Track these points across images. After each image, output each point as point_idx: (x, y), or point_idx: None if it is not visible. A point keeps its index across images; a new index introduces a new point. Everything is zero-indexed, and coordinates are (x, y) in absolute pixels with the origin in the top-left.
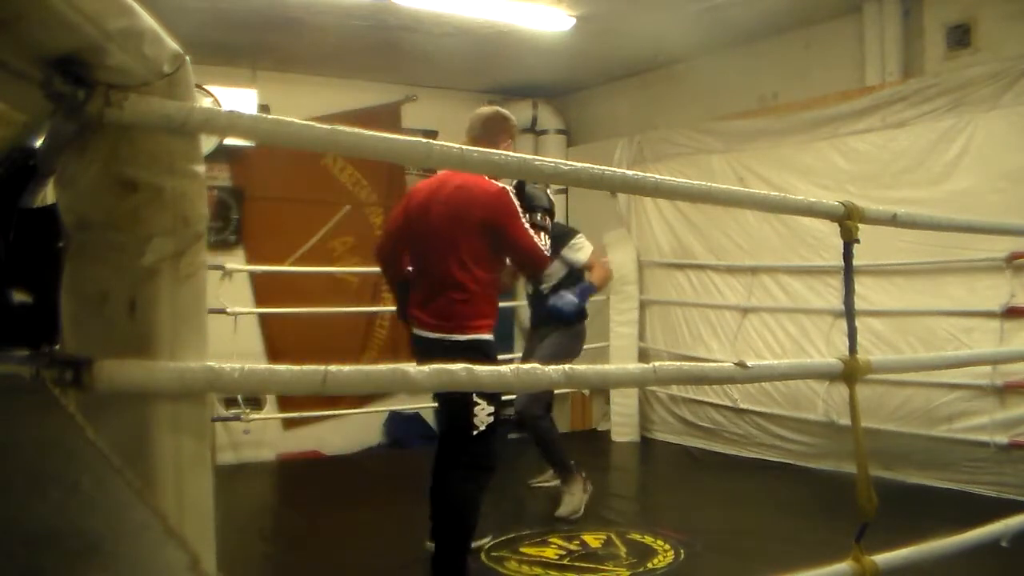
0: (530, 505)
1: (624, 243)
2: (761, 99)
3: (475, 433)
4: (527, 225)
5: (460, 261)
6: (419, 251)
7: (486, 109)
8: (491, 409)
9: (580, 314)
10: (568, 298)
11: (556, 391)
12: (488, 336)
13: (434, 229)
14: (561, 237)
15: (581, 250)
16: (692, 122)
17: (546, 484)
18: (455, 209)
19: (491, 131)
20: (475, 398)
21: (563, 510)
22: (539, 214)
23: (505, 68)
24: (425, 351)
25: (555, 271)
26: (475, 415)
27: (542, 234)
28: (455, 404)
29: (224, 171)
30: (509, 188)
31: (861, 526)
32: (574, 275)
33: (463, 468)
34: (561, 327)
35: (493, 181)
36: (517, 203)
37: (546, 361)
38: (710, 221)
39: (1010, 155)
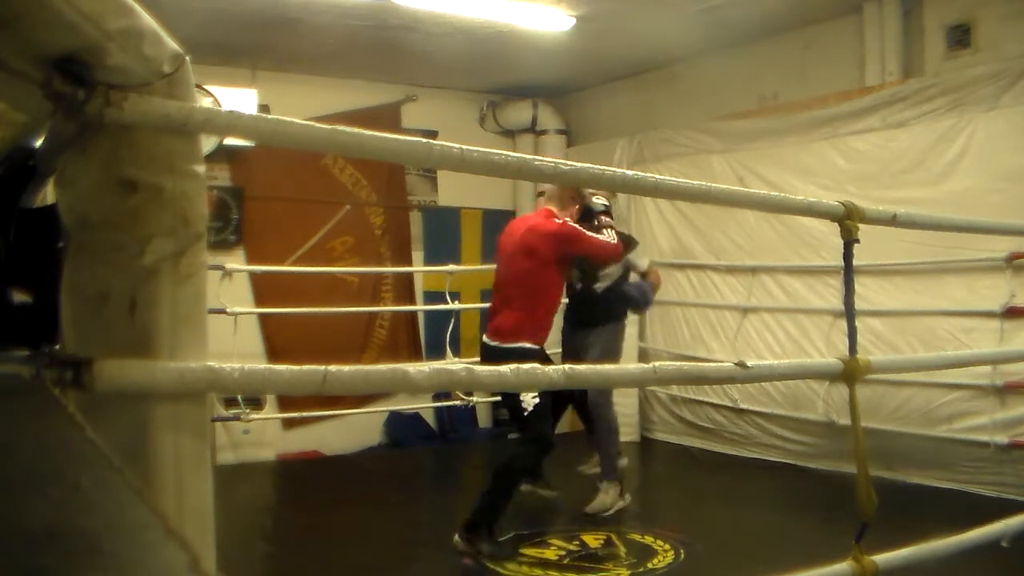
0: (530, 505)
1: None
2: (761, 99)
3: (525, 414)
4: (592, 233)
5: (527, 288)
6: (499, 279)
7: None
8: (535, 393)
9: (634, 307)
10: (643, 287)
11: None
12: (530, 345)
13: (507, 263)
14: (626, 244)
15: (643, 257)
16: (692, 122)
17: (593, 471)
18: (527, 247)
19: (563, 197)
20: None
21: (594, 506)
22: (595, 220)
23: (505, 68)
24: (490, 358)
25: (613, 272)
26: (522, 400)
27: (606, 231)
28: (506, 395)
29: (224, 171)
30: (569, 221)
31: (861, 526)
32: (626, 277)
33: (521, 442)
34: (608, 324)
35: (555, 220)
36: (578, 225)
37: (599, 359)
38: (710, 221)
39: (1010, 155)
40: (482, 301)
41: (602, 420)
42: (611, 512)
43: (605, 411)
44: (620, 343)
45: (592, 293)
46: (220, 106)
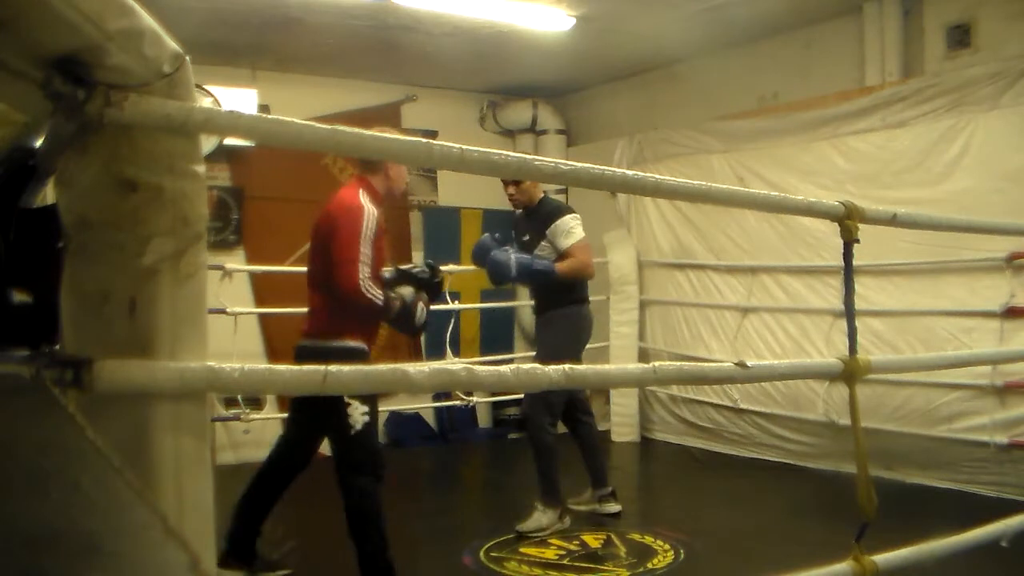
0: (529, 506)
1: (624, 243)
2: (761, 99)
3: (352, 433)
4: (364, 245)
5: (324, 273)
6: (311, 267)
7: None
8: (365, 408)
9: (573, 296)
10: (508, 257)
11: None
12: (356, 344)
13: (317, 245)
14: (551, 214)
15: (569, 235)
16: (692, 122)
17: (577, 508)
18: (327, 222)
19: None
20: (347, 398)
21: (526, 525)
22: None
23: (505, 68)
24: (305, 360)
25: (546, 252)
26: (349, 416)
27: (391, 293)
28: (324, 406)
29: (224, 171)
30: (370, 209)
31: (861, 526)
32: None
33: (353, 472)
34: (559, 313)
35: (362, 197)
36: (369, 225)
37: (547, 362)
38: (710, 221)
39: (1010, 155)
40: (482, 301)
41: (537, 442)
42: (544, 534)
43: (542, 433)
44: (577, 334)
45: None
46: (220, 106)
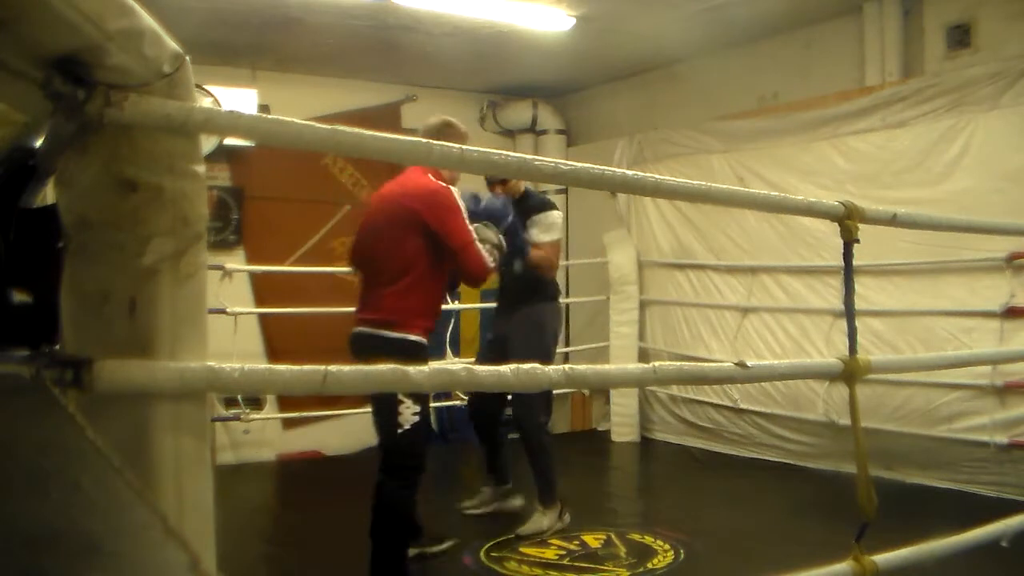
0: (529, 508)
1: (624, 243)
2: (761, 99)
3: (400, 432)
4: (468, 222)
5: (397, 259)
6: (367, 254)
7: (433, 120)
8: (416, 408)
9: (548, 292)
10: (496, 203)
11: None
12: (417, 338)
13: (378, 229)
14: (539, 206)
15: (549, 230)
16: (692, 122)
17: (476, 511)
18: (394, 208)
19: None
20: (400, 396)
21: (527, 528)
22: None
23: (505, 68)
24: (361, 348)
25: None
26: (400, 414)
27: (487, 246)
28: (379, 402)
29: (224, 171)
30: (454, 190)
31: (861, 526)
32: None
33: (392, 473)
34: (535, 309)
35: (433, 179)
36: (461, 204)
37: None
38: (710, 221)
39: (1010, 155)
40: (482, 301)
41: (532, 440)
42: (545, 536)
43: (540, 432)
44: (549, 331)
45: (512, 271)
46: (220, 106)
